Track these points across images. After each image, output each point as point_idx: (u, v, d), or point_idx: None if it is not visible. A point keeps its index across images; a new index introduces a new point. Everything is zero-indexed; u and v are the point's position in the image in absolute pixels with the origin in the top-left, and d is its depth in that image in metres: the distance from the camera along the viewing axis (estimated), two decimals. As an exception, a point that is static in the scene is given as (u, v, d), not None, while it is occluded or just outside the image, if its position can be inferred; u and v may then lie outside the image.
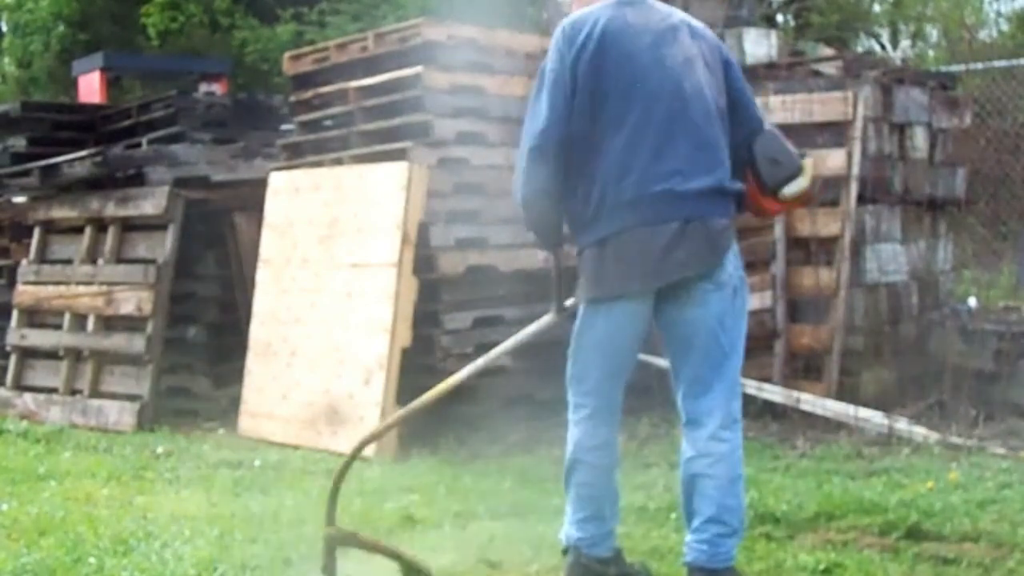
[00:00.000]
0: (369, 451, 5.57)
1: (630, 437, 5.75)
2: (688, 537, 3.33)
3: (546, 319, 3.61)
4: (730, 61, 3.45)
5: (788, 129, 6.34)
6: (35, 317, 7.48)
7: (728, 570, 3.28)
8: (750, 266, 6.30)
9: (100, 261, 7.15)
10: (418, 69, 6.12)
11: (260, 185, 6.70)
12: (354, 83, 6.45)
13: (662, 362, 6.33)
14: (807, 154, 3.55)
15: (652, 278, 3.23)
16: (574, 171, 3.29)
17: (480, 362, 3.67)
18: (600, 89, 3.25)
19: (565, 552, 3.47)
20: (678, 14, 3.43)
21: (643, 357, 6.40)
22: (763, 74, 6.69)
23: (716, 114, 3.32)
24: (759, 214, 3.64)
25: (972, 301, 7.10)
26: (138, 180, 7.17)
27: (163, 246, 6.84)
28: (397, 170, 5.89)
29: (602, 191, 3.24)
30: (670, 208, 3.20)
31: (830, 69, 6.99)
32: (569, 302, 3.52)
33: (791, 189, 3.43)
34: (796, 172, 3.43)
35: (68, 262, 7.35)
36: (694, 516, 3.30)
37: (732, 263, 3.30)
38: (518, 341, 3.65)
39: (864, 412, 5.65)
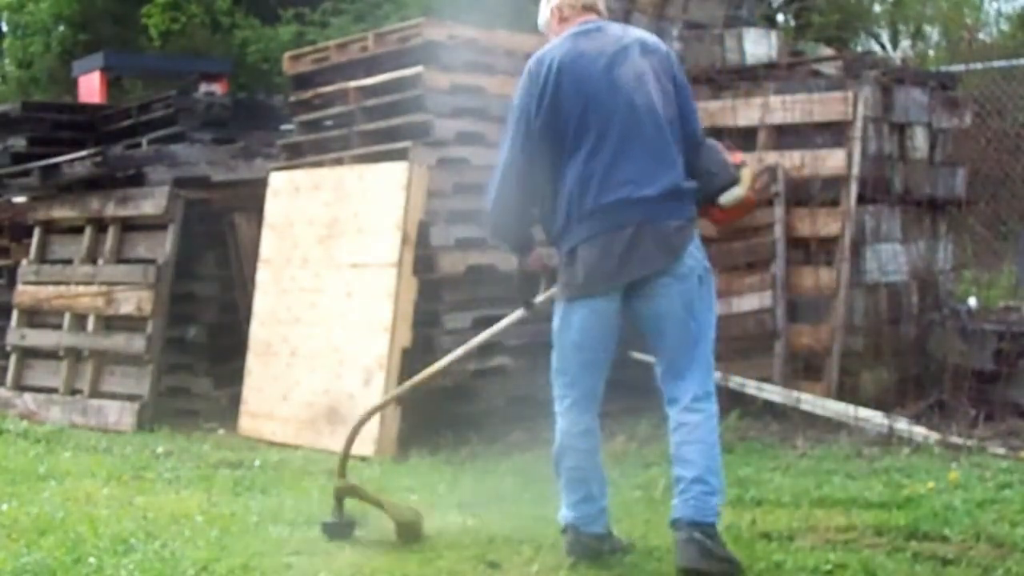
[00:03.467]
0: (369, 451, 5.58)
1: (630, 437, 5.75)
2: (675, 500, 3.62)
3: (517, 314, 4.08)
4: (677, 76, 3.77)
5: (788, 129, 6.39)
6: (35, 317, 7.48)
7: (711, 525, 3.55)
8: (750, 266, 6.34)
9: (100, 261, 7.15)
10: (418, 69, 6.12)
11: (260, 185, 6.70)
12: (354, 83, 6.46)
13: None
14: (746, 164, 3.89)
15: (614, 278, 3.62)
16: (547, 191, 3.73)
17: (460, 351, 4.24)
18: (560, 118, 3.66)
19: (563, 532, 3.80)
20: (632, 33, 3.81)
21: (643, 357, 6.44)
22: (763, 74, 6.70)
23: (666, 123, 3.67)
24: (710, 220, 4.05)
25: (972, 301, 7.09)
26: (138, 180, 7.17)
27: (163, 246, 6.84)
28: (397, 170, 5.89)
29: (567, 206, 3.66)
30: (625, 215, 3.59)
31: (830, 69, 6.99)
32: (538, 299, 4.02)
33: (727, 198, 3.79)
34: (731, 182, 3.80)
35: (68, 262, 7.35)
36: (680, 481, 3.61)
37: (693, 256, 3.64)
38: (493, 333, 4.19)
39: (864, 412, 5.65)
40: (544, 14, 3.98)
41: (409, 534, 4.05)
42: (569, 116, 3.64)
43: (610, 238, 3.59)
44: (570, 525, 3.77)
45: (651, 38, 3.82)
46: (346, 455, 4.24)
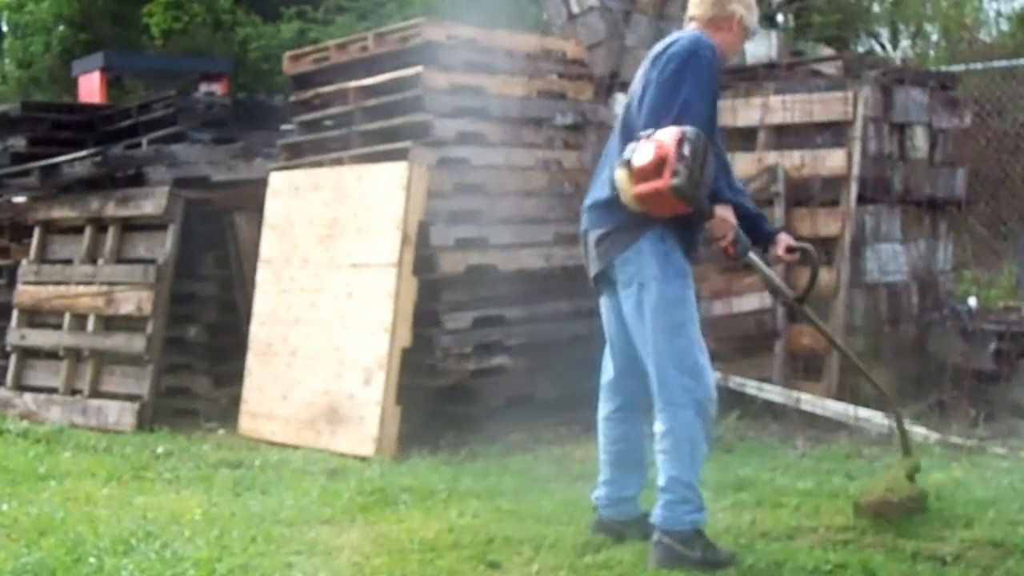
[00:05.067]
0: (369, 451, 5.59)
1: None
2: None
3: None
4: (650, 78, 3.73)
5: (788, 129, 6.39)
6: (35, 317, 7.48)
7: (683, 534, 3.68)
8: (749, 266, 6.32)
9: (100, 261, 7.14)
10: (418, 69, 6.12)
11: (260, 185, 6.69)
12: (354, 83, 6.45)
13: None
14: (625, 163, 3.61)
15: (590, 277, 3.96)
16: None
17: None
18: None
19: (595, 510, 4.07)
20: (659, 47, 3.83)
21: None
22: (763, 74, 6.69)
23: (625, 134, 3.78)
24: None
25: (972, 301, 7.09)
26: (138, 180, 7.17)
27: (163, 246, 6.84)
28: (397, 170, 5.89)
29: None
30: (582, 221, 3.95)
31: (830, 69, 6.99)
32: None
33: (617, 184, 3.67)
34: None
35: (68, 262, 7.35)
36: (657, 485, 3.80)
37: (633, 263, 3.73)
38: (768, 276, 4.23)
39: (864, 412, 5.65)
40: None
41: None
42: None
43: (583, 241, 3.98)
44: (594, 503, 4.05)
45: (667, 46, 3.78)
46: (903, 433, 4.44)
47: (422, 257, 5.90)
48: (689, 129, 3.51)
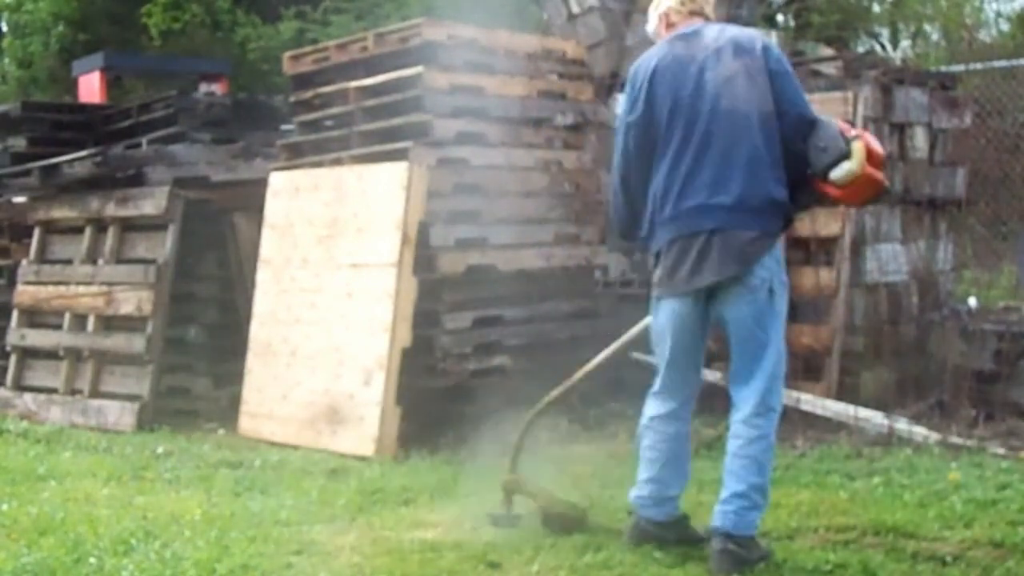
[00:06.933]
0: (369, 451, 5.59)
1: (631, 437, 5.73)
2: (716, 506, 3.73)
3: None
4: (772, 67, 3.74)
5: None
6: (35, 317, 7.48)
7: (748, 538, 3.67)
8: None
9: (100, 261, 7.14)
10: (418, 69, 6.12)
11: (260, 185, 6.69)
12: (354, 83, 6.45)
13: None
14: (860, 137, 3.72)
15: (687, 283, 3.72)
16: (639, 195, 3.87)
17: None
18: (652, 122, 3.79)
19: (629, 514, 4.01)
20: (727, 34, 3.81)
21: (643, 357, 6.44)
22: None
23: (758, 126, 3.69)
24: (832, 200, 3.93)
25: (972, 301, 7.09)
26: (138, 180, 7.17)
27: (163, 246, 6.84)
28: (397, 170, 5.89)
29: (652, 211, 3.81)
30: (699, 221, 3.68)
31: (830, 69, 6.99)
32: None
33: (837, 173, 3.66)
34: (841, 156, 3.66)
35: (68, 262, 7.35)
36: (724, 488, 3.72)
37: (767, 268, 3.69)
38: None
39: (864, 412, 5.65)
40: (652, 21, 4.05)
41: (559, 524, 4.12)
42: (659, 120, 3.77)
43: (686, 244, 3.70)
44: (632, 506, 3.96)
45: (746, 37, 3.83)
46: (518, 449, 4.36)
47: (422, 257, 5.90)
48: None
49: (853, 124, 3.94)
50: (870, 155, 3.68)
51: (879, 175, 3.72)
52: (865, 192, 3.78)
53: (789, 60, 3.98)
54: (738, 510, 3.66)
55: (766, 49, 3.77)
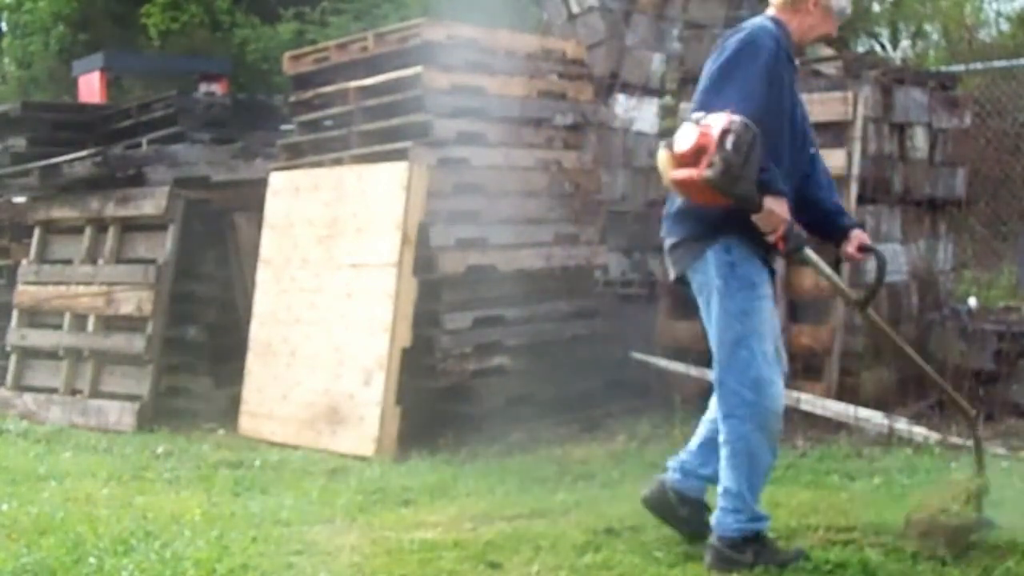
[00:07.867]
0: (369, 451, 5.59)
1: (631, 437, 5.76)
2: None
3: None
4: (709, 67, 3.66)
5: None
6: (35, 317, 7.48)
7: (727, 539, 3.67)
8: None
9: (100, 261, 7.14)
10: (418, 69, 6.12)
11: (260, 185, 6.69)
12: (354, 83, 6.45)
13: (663, 362, 6.36)
14: (667, 146, 3.53)
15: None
16: None
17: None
18: None
19: (661, 472, 4.02)
20: (733, 30, 3.73)
21: (643, 357, 6.45)
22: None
23: None
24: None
25: (972, 301, 7.09)
26: (138, 180, 7.17)
27: (163, 246, 6.84)
28: (397, 170, 5.89)
29: None
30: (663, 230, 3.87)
31: (830, 69, 6.98)
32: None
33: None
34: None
35: (68, 262, 7.35)
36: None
37: (703, 272, 3.69)
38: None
39: (864, 412, 5.65)
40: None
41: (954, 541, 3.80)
42: None
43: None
44: (668, 464, 3.98)
45: (731, 34, 3.69)
46: (979, 449, 4.14)
47: (422, 257, 5.90)
48: (738, 119, 3.37)
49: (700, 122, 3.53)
50: (675, 159, 3.49)
51: (684, 174, 3.47)
52: (696, 196, 3.54)
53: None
54: (720, 510, 3.71)
55: (724, 49, 3.64)
